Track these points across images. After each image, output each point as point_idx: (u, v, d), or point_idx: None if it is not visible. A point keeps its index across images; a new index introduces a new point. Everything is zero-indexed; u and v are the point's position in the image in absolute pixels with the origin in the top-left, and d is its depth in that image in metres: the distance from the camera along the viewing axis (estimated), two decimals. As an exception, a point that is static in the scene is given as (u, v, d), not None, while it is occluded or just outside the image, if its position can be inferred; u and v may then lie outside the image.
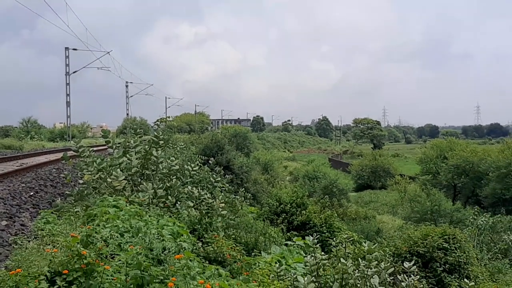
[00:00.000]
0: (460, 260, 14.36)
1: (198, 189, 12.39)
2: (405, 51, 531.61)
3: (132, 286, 5.14)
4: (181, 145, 28.09)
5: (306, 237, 8.29)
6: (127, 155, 12.21)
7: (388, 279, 6.40)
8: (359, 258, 6.69)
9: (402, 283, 6.60)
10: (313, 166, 60.42)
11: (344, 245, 7.85)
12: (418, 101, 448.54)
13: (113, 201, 9.02)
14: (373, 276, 6.18)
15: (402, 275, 6.59)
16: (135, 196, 10.43)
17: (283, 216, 19.48)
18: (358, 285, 6.17)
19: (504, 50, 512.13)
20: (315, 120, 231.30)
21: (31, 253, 5.98)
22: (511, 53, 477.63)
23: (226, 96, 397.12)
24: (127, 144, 12.64)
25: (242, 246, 10.49)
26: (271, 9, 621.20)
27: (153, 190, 10.92)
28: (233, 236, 11.38)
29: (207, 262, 7.69)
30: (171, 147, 24.20)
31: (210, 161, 20.36)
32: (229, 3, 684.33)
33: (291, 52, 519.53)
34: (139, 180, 11.98)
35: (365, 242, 7.43)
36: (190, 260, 6.15)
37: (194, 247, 7.98)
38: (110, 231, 6.94)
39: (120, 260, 5.67)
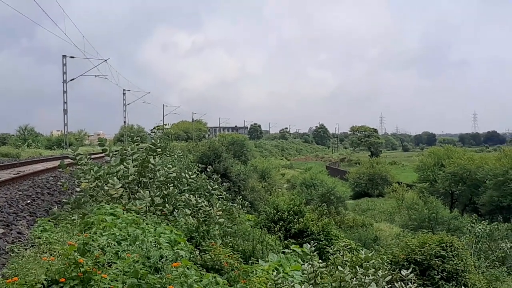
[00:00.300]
0: (457, 268, 14.36)
1: (195, 197, 12.38)
2: (403, 59, 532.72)
3: (129, 294, 5.13)
4: (178, 153, 28.09)
5: (304, 245, 8.30)
6: (124, 163, 12.21)
7: (386, 287, 6.39)
8: (357, 266, 6.68)
9: (400, 291, 6.59)
10: (310, 174, 60.44)
11: (341, 253, 7.85)
12: (415, 109, 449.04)
13: (110, 209, 9.01)
14: (371, 284, 6.17)
15: (399, 283, 6.58)
16: (132, 204, 10.42)
17: (280, 224, 19.44)
18: (356, 293, 6.16)
19: (501, 58, 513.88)
20: (313, 127, 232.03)
21: (28, 261, 5.95)
22: (509, 61, 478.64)
23: (223, 104, 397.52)
24: (124, 152, 12.63)
25: (240, 254, 10.47)
26: (269, 17, 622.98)
27: (150, 198, 10.90)
28: (231, 244, 11.34)
29: (204, 270, 7.67)
30: (168, 155, 24.19)
31: (207, 169, 20.35)
32: (228, 11, 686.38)
33: (289, 60, 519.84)
34: (136, 188, 11.96)
35: (362, 250, 7.43)
36: (188, 268, 6.15)
37: (192, 255, 7.96)
38: (107, 239, 6.93)
39: (117, 268, 5.66)
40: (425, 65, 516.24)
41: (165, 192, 11.76)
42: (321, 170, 78.31)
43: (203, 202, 12.23)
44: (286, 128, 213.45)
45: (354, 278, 6.25)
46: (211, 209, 11.74)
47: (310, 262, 6.63)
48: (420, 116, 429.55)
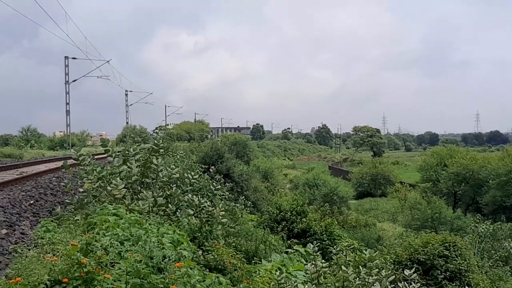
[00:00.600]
0: (461, 267, 14.34)
1: (198, 197, 12.36)
2: (404, 59, 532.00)
3: (132, 294, 5.13)
4: (181, 153, 28.11)
5: (307, 245, 8.28)
6: (127, 163, 12.21)
7: (389, 287, 6.38)
8: (360, 266, 6.67)
9: (403, 291, 6.57)
10: (313, 174, 60.50)
11: (344, 253, 7.84)
12: (418, 109, 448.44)
13: (113, 209, 9.01)
14: (374, 284, 6.16)
15: (402, 282, 6.56)
16: (135, 204, 10.41)
17: (283, 224, 19.43)
18: (359, 293, 6.15)
19: (504, 58, 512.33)
20: (315, 128, 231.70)
21: (31, 261, 5.96)
22: (511, 61, 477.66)
23: (225, 104, 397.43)
24: (127, 152, 12.64)
25: (243, 254, 10.46)
26: (271, 17, 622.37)
27: (153, 198, 10.91)
28: (234, 244, 11.35)
29: (207, 270, 7.67)
30: (171, 155, 24.21)
31: (210, 169, 20.33)
32: (229, 12, 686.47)
33: (291, 60, 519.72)
34: (139, 188, 11.96)
35: (366, 250, 7.41)
36: (191, 268, 6.15)
37: (194, 255, 7.96)
38: (110, 240, 6.93)
39: (120, 269, 5.66)
40: (427, 65, 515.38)
41: (168, 193, 11.76)
42: (324, 170, 78.34)
43: (206, 202, 12.22)
44: (289, 128, 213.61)
45: (357, 278, 6.24)
46: (214, 209, 11.74)
47: (313, 262, 6.62)
48: (423, 116, 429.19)
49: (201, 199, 12.32)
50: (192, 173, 14.35)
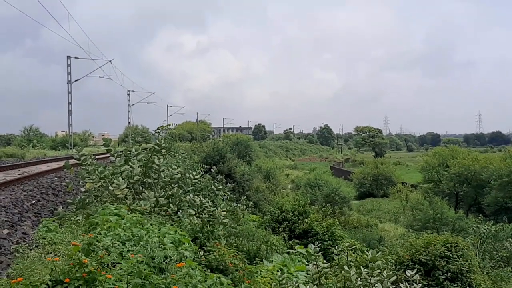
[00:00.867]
0: (462, 268, 14.32)
1: (200, 197, 12.36)
2: (407, 59, 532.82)
3: (133, 294, 5.13)
4: (182, 153, 28.10)
5: (308, 245, 8.27)
6: (129, 163, 12.22)
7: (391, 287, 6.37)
8: (361, 266, 6.67)
9: (405, 292, 6.56)
10: (314, 174, 60.40)
11: (346, 253, 7.84)
12: (420, 109, 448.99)
13: (115, 209, 9.01)
14: (376, 285, 6.16)
15: (404, 283, 6.56)
16: (137, 204, 10.41)
17: (284, 224, 19.43)
18: (361, 293, 6.15)
19: (506, 58, 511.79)
20: (317, 128, 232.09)
21: (33, 261, 5.96)
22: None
23: (228, 104, 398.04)
24: (129, 152, 12.64)
25: (244, 254, 10.47)
26: (274, 18, 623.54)
27: (154, 199, 10.90)
28: (235, 244, 11.34)
29: (208, 270, 7.66)
30: (172, 155, 24.20)
31: (212, 170, 20.33)
32: (232, 12, 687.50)
33: (293, 61, 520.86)
34: (141, 188, 11.97)
35: (367, 251, 7.40)
36: (192, 269, 6.15)
37: (196, 256, 7.96)
38: (111, 240, 6.93)
39: (121, 269, 5.66)
40: (429, 66, 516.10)
41: (170, 193, 11.76)
42: (326, 170, 78.27)
43: (208, 202, 12.22)
44: (290, 128, 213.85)
45: (359, 279, 6.23)
46: (215, 210, 11.74)
47: (315, 263, 6.62)
48: (424, 116, 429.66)
49: (203, 199, 12.33)
50: (194, 173, 14.35)
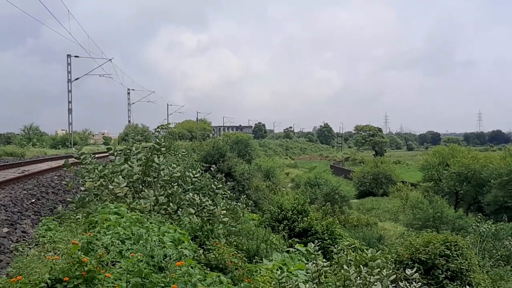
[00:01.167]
0: (462, 267, 14.32)
1: (199, 196, 12.35)
2: (408, 58, 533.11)
3: (133, 293, 5.13)
4: (182, 152, 28.09)
5: (308, 244, 8.26)
6: (129, 162, 12.21)
7: (390, 286, 6.37)
8: (361, 265, 6.67)
9: (404, 291, 6.57)
10: (314, 173, 60.40)
11: (345, 252, 7.84)
12: (420, 108, 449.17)
13: (115, 208, 9.01)
14: (375, 283, 6.15)
15: (404, 282, 6.55)
16: (137, 203, 10.41)
17: (284, 223, 19.44)
18: (360, 292, 6.15)
19: (507, 57, 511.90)
20: (317, 127, 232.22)
21: (32, 260, 5.97)
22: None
23: (228, 103, 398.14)
24: (128, 151, 12.63)
25: (244, 253, 10.45)
26: (275, 17, 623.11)
27: (154, 197, 10.90)
28: (235, 243, 11.34)
29: (208, 269, 7.66)
30: (172, 154, 24.19)
31: (211, 168, 20.32)
32: (233, 11, 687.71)
33: (294, 60, 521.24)
34: (141, 187, 11.96)
35: (367, 249, 7.40)
36: (191, 267, 6.14)
37: (195, 254, 7.96)
38: (111, 238, 6.93)
39: (121, 267, 5.66)
40: (430, 65, 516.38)
41: (169, 191, 11.76)
42: (326, 169, 78.17)
43: (207, 201, 12.21)
44: (291, 127, 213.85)
45: (358, 277, 6.23)
46: (215, 208, 11.74)
47: (314, 261, 6.62)
48: (425, 115, 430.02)
49: (203, 198, 12.32)
50: (194, 172, 14.34)
